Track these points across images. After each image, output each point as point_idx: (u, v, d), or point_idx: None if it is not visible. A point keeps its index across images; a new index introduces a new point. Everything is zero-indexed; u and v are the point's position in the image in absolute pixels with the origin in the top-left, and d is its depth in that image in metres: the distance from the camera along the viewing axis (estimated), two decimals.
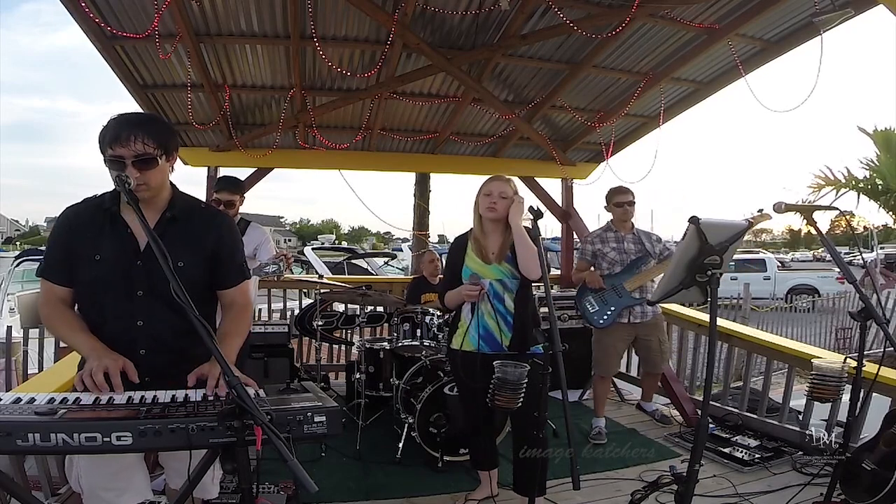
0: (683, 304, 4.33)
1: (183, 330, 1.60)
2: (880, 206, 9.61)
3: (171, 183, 1.73)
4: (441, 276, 4.41)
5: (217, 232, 1.76)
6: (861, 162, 9.55)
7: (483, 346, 2.55)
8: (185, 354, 1.63)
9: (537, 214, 2.24)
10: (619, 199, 3.74)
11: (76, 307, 1.71)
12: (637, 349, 3.94)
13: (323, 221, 76.69)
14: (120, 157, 1.56)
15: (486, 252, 2.59)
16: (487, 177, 2.66)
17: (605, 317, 3.68)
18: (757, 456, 3.31)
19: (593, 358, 3.87)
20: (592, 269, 3.80)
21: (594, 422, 3.81)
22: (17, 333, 4.74)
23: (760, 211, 2.94)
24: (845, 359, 2.54)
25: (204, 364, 1.56)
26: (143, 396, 1.45)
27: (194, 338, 1.33)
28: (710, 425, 3.56)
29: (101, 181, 1.63)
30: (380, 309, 4.55)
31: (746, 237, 2.81)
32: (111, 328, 1.65)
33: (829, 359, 2.71)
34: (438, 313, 3.71)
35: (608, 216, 3.87)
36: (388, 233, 56.33)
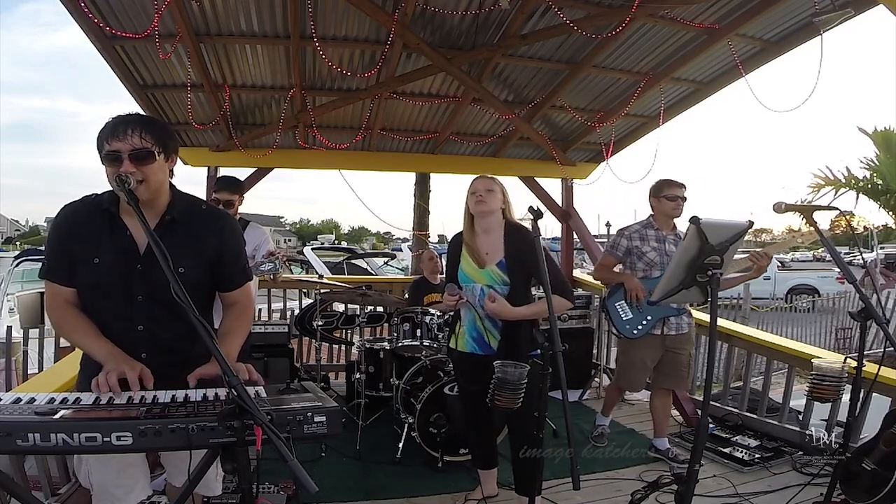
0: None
1: (184, 333, 1.60)
2: (880, 206, 9.61)
3: (171, 185, 1.70)
4: (441, 274, 4.42)
5: (219, 235, 1.73)
6: (861, 162, 9.56)
7: (475, 348, 2.57)
8: (187, 356, 1.62)
9: (537, 214, 2.23)
10: (673, 192, 3.28)
11: None
12: (660, 363, 3.35)
13: (323, 221, 76.81)
14: (117, 150, 1.53)
15: (479, 254, 2.59)
16: None
17: (640, 327, 3.25)
18: (757, 456, 3.31)
19: (617, 369, 3.54)
20: (620, 267, 3.44)
21: (598, 419, 3.70)
22: (17, 333, 4.74)
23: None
24: (845, 359, 2.54)
25: (205, 364, 1.55)
26: (143, 396, 1.45)
27: (195, 340, 1.33)
28: (710, 425, 3.55)
29: (101, 182, 1.62)
30: (380, 309, 4.56)
31: (746, 237, 2.80)
32: (112, 331, 1.63)
33: (829, 359, 2.72)
34: (438, 313, 3.70)
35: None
36: (388, 233, 56.39)
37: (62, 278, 1.64)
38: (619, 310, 3.33)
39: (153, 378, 1.51)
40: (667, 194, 3.30)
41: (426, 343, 3.63)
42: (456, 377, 2.92)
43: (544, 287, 2.11)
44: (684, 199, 3.29)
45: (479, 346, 2.56)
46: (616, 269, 3.47)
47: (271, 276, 3.24)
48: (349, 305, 5.08)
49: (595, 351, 5.10)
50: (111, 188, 1.58)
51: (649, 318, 3.25)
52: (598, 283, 5.24)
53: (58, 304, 1.65)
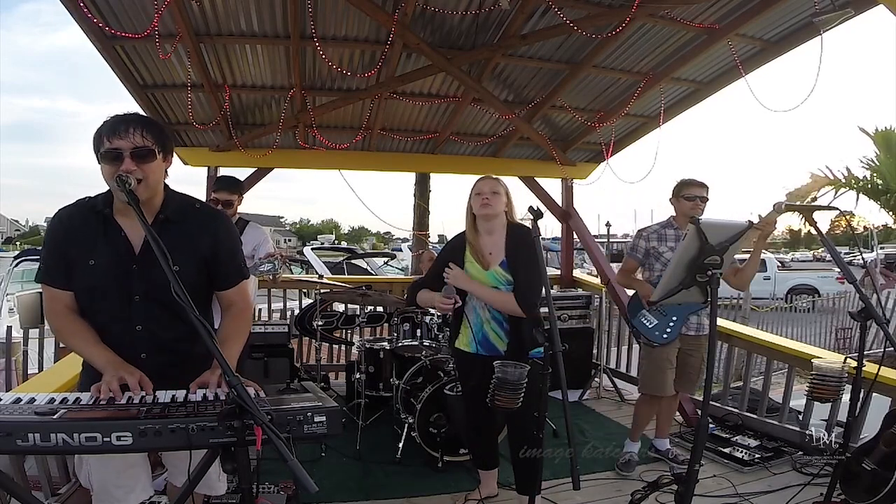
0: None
1: (182, 332, 1.61)
2: (880, 206, 9.62)
3: (165, 185, 1.70)
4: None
5: (213, 233, 1.73)
6: (861, 162, 9.56)
7: (480, 349, 2.57)
8: (186, 356, 1.63)
9: (537, 214, 2.23)
10: (691, 192, 3.16)
11: None
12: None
13: (323, 221, 76.90)
14: (118, 148, 1.53)
15: (482, 255, 2.58)
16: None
17: (669, 330, 3.11)
18: (757, 456, 3.31)
19: (641, 375, 3.36)
20: (640, 271, 3.31)
21: (626, 445, 3.37)
22: (17, 333, 4.74)
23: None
24: (845, 359, 2.55)
25: (205, 372, 1.55)
26: (143, 396, 1.45)
27: (194, 339, 1.33)
28: (710, 425, 3.54)
29: (101, 182, 1.61)
30: (380, 309, 4.55)
31: (746, 237, 2.81)
32: (111, 332, 1.63)
33: (829, 359, 2.72)
34: (438, 313, 3.70)
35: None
36: (388, 233, 56.45)
37: (59, 282, 1.64)
38: (643, 319, 3.19)
39: (152, 385, 1.51)
40: (685, 194, 3.19)
41: (426, 343, 3.63)
42: (459, 377, 2.92)
43: (545, 288, 2.11)
44: (704, 199, 3.17)
45: (484, 348, 2.56)
46: (637, 274, 3.35)
47: (271, 277, 3.24)
48: (349, 305, 5.07)
49: (595, 351, 5.10)
50: (109, 188, 1.58)
51: (675, 318, 3.11)
52: (599, 283, 5.31)
53: (58, 311, 1.64)
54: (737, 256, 2.34)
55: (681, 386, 3.34)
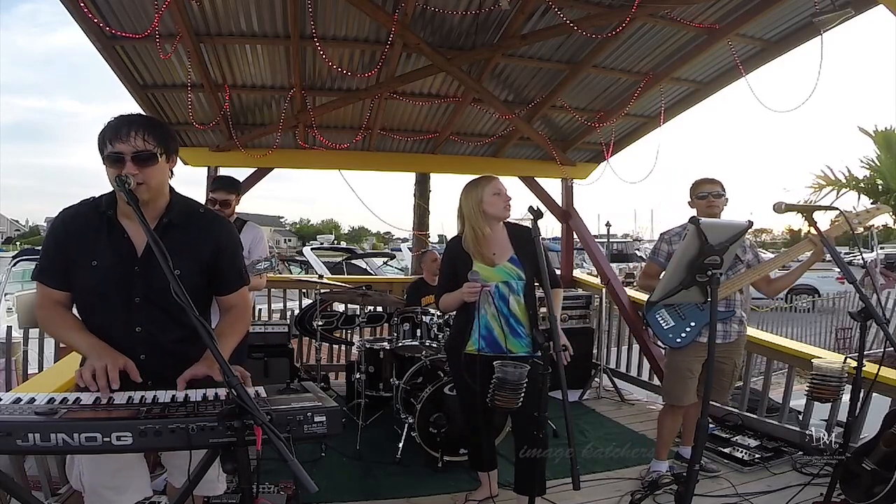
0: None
1: (181, 334, 1.62)
2: None
3: (170, 187, 1.70)
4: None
5: (215, 239, 1.73)
6: (861, 162, 9.57)
7: (485, 347, 2.55)
8: (185, 357, 1.62)
9: (537, 214, 2.24)
10: (703, 190, 3.03)
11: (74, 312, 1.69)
12: (701, 372, 3.07)
13: (323, 221, 76.87)
14: (119, 152, 1.53)
15: (487, 253, 2.58)
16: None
17: (684, 335, 2.95)
18: (757, 456, 3.31)
19: (663, 383, 3.22)
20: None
21: (654, 464, 3.15)
22: (17, 333, 4.74)
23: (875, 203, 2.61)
24: (845, 359, 2.54)
25: (194, 365, 1.54)
26: (143, 396, 1.45)
27: (193, 341, 1.32)
28: (710, 425, 3.52)
29: (101, 181, 1.62)
30: (380, 309, 4.56)
31: (746, 237, 2.81)
32: (110, 333, 1.63)
33: (829, 359, 2.71)
34: (438, 313, 3.70)
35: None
36: (388, 233, 56.45)
37: (54, 281, 1.64)
38: (660, 319, 3.02)
39: (138, 372, 1.51)
40: (698, 193, 3.05)
41: (426, 343, 3.63)
42: (455, 377, 2.88)
43: (545, 287, 2.11)
44: (718, 195, 3.01)
45: (490, 346, 2.54)
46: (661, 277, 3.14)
47: (268, 273, 3.22)
48: (349, 305, 5.08)
49: (595, 351, 5.10)
50: (111, 188, 1.58)
51: (693, 324, 2.95)
52: (599, 283, 5.30)
53: (46, 305, 1.65)
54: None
55: (713, 394, 2.96)
